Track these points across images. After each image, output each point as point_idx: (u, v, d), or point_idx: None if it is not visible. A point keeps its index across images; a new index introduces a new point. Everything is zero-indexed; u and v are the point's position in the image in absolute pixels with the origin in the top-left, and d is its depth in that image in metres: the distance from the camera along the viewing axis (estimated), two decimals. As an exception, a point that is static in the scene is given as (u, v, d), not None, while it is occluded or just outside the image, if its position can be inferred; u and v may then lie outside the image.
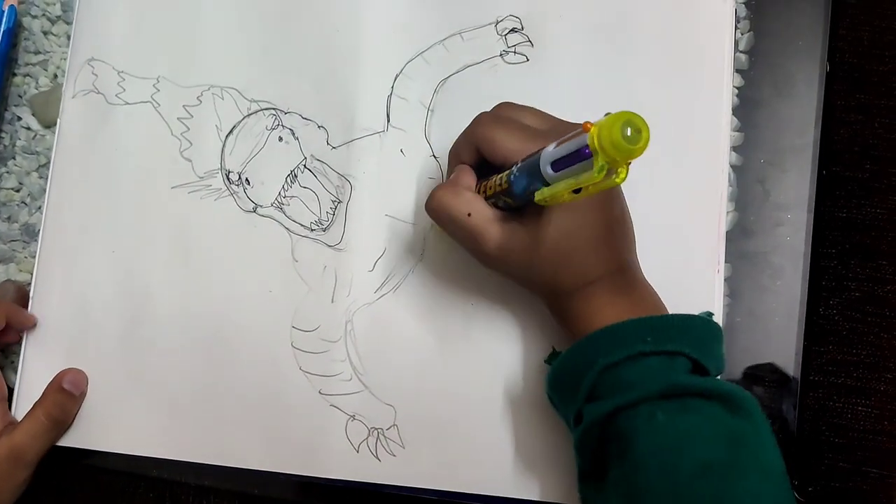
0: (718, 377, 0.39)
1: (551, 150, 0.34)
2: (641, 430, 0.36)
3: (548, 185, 0.35)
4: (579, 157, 0.32)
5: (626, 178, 0.31)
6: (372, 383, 0.48)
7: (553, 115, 0.43)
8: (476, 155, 0.42)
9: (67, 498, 0.52)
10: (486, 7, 0.50)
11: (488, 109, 0.48)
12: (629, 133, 0.30)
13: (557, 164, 0.34)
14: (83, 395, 0.51)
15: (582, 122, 0.32)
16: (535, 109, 0.43)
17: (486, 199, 0.41)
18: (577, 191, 0.33)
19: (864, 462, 0.47)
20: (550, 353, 0.46)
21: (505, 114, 0.43)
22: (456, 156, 0.44)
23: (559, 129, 0.41)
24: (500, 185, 0.39)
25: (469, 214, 0.40)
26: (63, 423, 0.50)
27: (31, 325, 0.52)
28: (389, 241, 0.48)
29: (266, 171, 0.50)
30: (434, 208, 0.42)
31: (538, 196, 0.35)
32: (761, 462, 0.36)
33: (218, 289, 0.50)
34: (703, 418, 0.36)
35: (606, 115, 0.31)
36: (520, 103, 0.43)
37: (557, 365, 0.41)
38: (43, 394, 0.50)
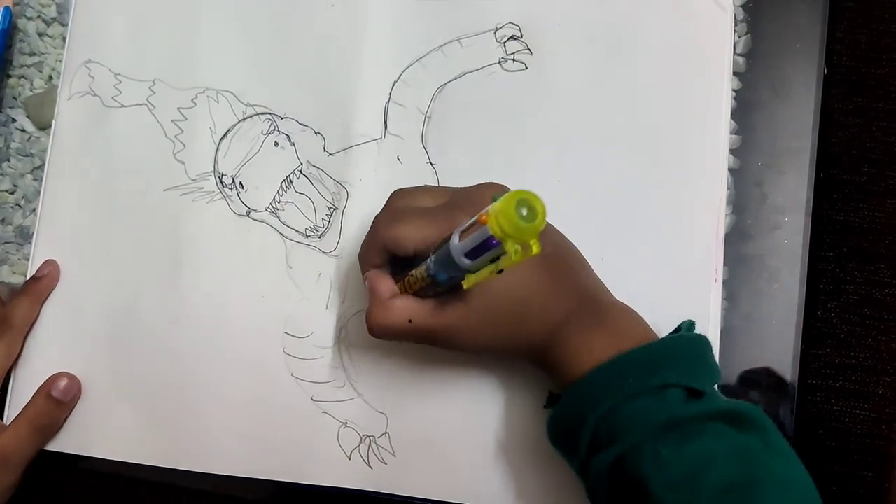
0: (716, 387, 0.39)
1: (458, 245, 0.34)
2: (649, 471, 0.36)
3: (469, 271, 0.35)
4: (489, 246, 0.32)
5: (540, 248, 0.32)
6: (365, 391, 0.48)
7: (445, 186, 0.43)
8: (386, 255, 0.42)
9: (62, 502, 0.52)
10: (485, 14, 0.49)
11: (485, 118, 0.48)
12: (525, 213, 0.30)
13: (471, 254, 0.34)
14: (75, 400, 0.50)
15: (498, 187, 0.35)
16: (428, 187, 0.43)
17: (416, 293, 0.40)
18: (500, 270, 0.33)
19: (862, 466, 0.47)
20: (548, 397, 0.45)
21: (399, 204, 0.42)
22: (367, 261, 0.43)
23: (456, 199, 0.41)
24: (423, 280, 0.38)
25: (410, 321, 0.40)
26: (49, 428, 0.50)
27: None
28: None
29: (261, 175, 0.50)
30: (376, 334, 0.41)
31: (466, 285, 0.35)
32: (778, 473, 0.35)
33: (209, 293, 0.50)
34: (708, 441, 0.36)
35: (495, 197, 0.31)
36: (411, 186, 0.43)
37: (551, 422, 0.40)
38: (31, 399, 0.50)
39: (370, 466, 0.47)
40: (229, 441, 0.49)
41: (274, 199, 0.50)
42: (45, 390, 0.49)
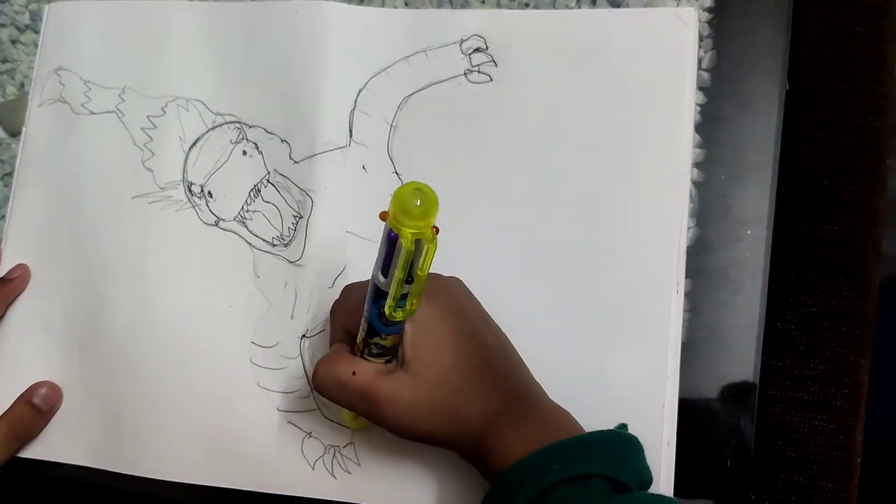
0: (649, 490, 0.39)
1: (376, 261, 0.35)
2: None
3: (386, 290, 0.35)
4: (392, 245, 0.33)
5: (436, 244, 0.33)
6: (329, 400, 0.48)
7: None
8: (350, 336, 0.42)
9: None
10: (450, 26, 0.50)
11: (450, 129, 0.49)
12: (418, 203, 0.32)
13: (385, 269, 0.35)
14: (55, 409, 0.50)
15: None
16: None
17: (364, 357, 0.40)
18: (409, 280, 0.34)
19: (820, 476, 0.47)
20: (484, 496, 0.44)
21: (352, 295, 0.43)
22: (333, 341, 0.44)
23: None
24: (363, 329, 0.39)
25: (354, 373, 0.40)
26: (26, 436, 0.50)
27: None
28: (349, 258, 0.48)
29: (229, 184, 0.50)
30: (320, 382, 0.41)
31: (387, 310, 0.36)
32: None
33: (177, 302, 0.50)
34: None
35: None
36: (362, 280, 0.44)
37: None
38: (11, 405, 0.50)
39: (334, 476, 0.47)
40: (194, 450, 0.48)
41: (242, 208, 0.50)
42: (27, 397, 0.49)
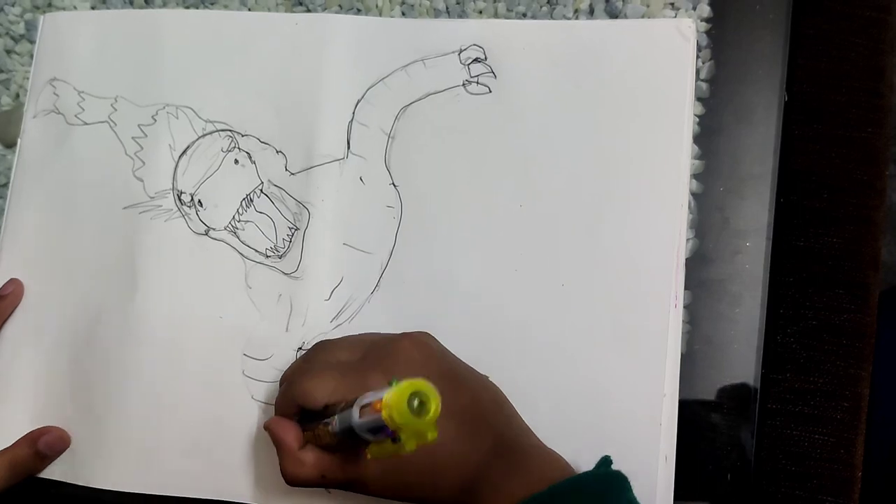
0: None
1: (358, 422, 0.34)
2: None
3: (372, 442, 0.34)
4: (386, 434, 0.32)
5: (436, 435, 0.32)
6: None
7: (367, 335, 0.44)
8: (298, 406, 0.41)
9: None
10: (449, 36, 0.49)
11: (448, 140, 0.48)
12: (416, 407, 0.31)
13: (372, 432, 0.33)
14: (58, 455, 0.49)
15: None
16: (350, 339, 0.44)
17: (324, 446, 0.40)
18: (396, 440, 0.33)
19: (820, 491, 0.47)
20: None
21: (316, 358, 0.43)
22: (279, 410, 0.43)
23: (370, 355, 0.41)
24: (332, 438, 0.38)
25: (323, 476, 0.40)
26: (25, 476, 0.49)
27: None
28: (346, 270, 0.48)
29: (220, 193, 0.50)
30: (293, 485, 0.41)
31: (370, 455, 0.35)
32: None
33: (167, 313, 0.49)
34: None
35: (391, 383, 0.32)
36: (336, 338, 0.45)
37: None
38: (16, 442, 0.49)
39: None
40: (188, 463, 0.48)
41: (234, 218, 0.49)
42: (33, 438, 0.48)
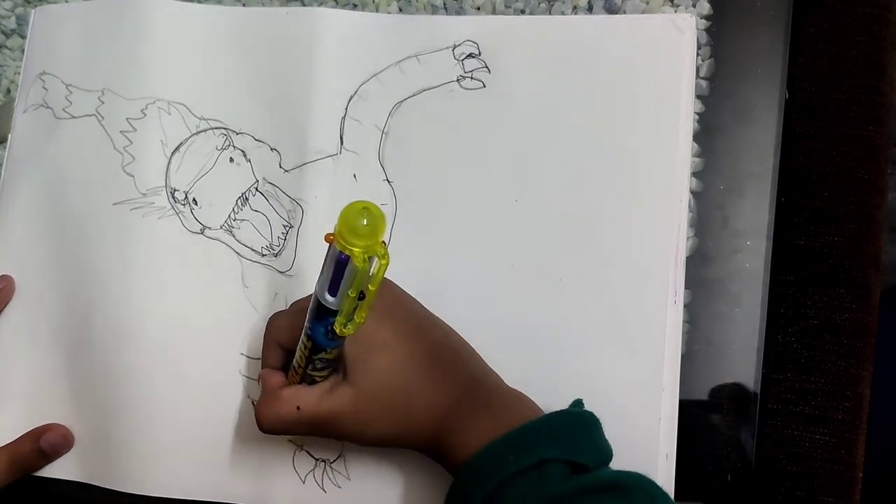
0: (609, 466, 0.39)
1: (320, 281, 0.35)
2: None
3: (337, 309, 0.35)
4: (341, 266, 0.33)
5: (388, 258, 0.33)
6: None
7: None
8: (283, 352, 0.42)
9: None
10: (443, 31, 0.49)
11: (442, 135, 0.48)
12: (365, 222, 0.32)
13: (333, 289, 0.34)
14: (60, 455, 0.49)
15: None
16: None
17: (306, 374, 0.40)
18: (361, 296, 0.34)
19: (822, 491, 0.46)
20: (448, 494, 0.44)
21: (294, 306, 0.44)
22: (265, 362, 0.44)
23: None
24: (305, 346, 0.39)
25: (298, 408, 0.40)
26: (25, 472, 0.48)
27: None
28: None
29: (215, 192, 0.49)
30: (268, 427, 0.41)
31: (337, 328, 0.35)
32: None
33: (162, 312, 0.48)
34: None
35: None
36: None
37: None
38: (19, 438, 0.48)
39: (324, 490, 0.46)
40: (184, 464, 0.47)
41: (229, 216, 0.49)
42: (36, 435, 0.48)
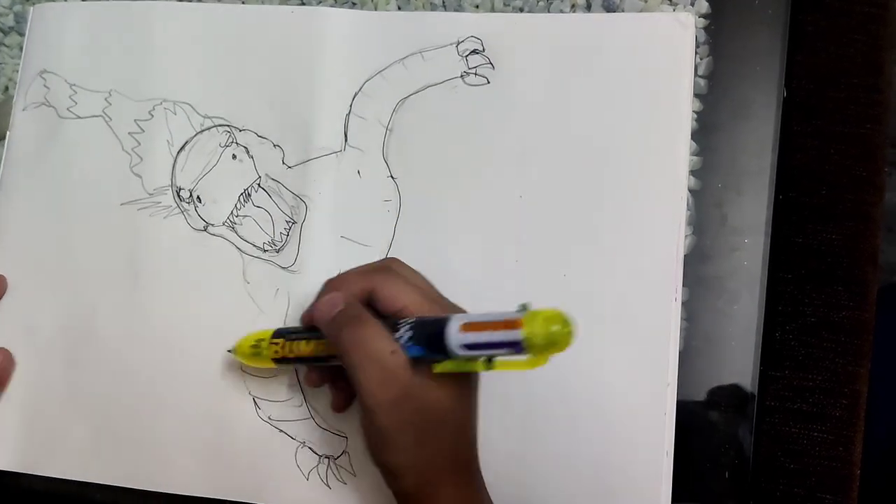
0: None
1: (459, 335, 0.35)
2: None
3: (448, 357, 0.36)
4: (507, 347, 0.34)
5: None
6: (323, 409, 0.47)
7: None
8: (363, 297, 0.41)
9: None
10: (446, 27, 0.49)
11: (447, 132, 0.48)
12: (556, 329, 0.34)
13: (475, 347, 0.35)
14: (7, 374, 0.49)
15: (516, 310, 0.35)
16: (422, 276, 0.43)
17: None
18: (489, 361, 0.35)
19: (819, 488, 0.46)
20: None
21: (397, 267, 0.43)
22: (341, 285, 0.42)
23: (442, 302, 0.41)
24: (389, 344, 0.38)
25: (393, 352, 0.37)
26: None
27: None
28: (344, 263, 0.47)
29: (218, 189, 0.49)
30: (348, 346, 0.38)
31: (438, 368, 0.36)
32: None
33: (166, 309, 0.49)
34: None
35: (522, 307, 0.35)
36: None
37: None
38: None
39: (329, 486, 0.46)
40: (185, 460, 0.47)
41: (232, 213, 0.49)
42: None
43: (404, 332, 0.37)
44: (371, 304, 0.41)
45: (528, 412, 0.45)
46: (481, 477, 0.41)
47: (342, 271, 0.45)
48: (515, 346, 0.34)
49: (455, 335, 0.35)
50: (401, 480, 0.39)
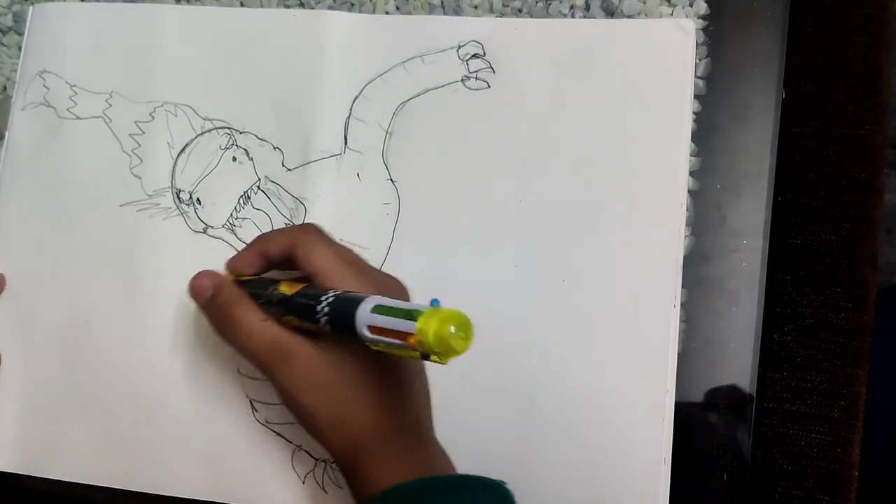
0: None
1: (368, 315, 0.34)
2: None
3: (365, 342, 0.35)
4: (401, 338, 0.33)
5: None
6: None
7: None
8: (283, 255, 0.41)
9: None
10: (448, 31, 0.49)
11: (447, 136, 0.48)
12: (453, 331, 0.32)
13: (376, 331, 0.34)
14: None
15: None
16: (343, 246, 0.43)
17: (281, 311, 0.40)
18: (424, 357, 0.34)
19: (817, 490, 0.46)
20: None
21: (323, 233, 0.42)
22: (264, 242, 0.43)
23: (380, 279, 0.41)
24: (304, 310, 0.38)
25: (263, 320, 0.40)
26: None
27: None
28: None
29: (218, 191, 0.50)
30: (219, 316, 0.41)
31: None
32: None
33: (165, 311, 0.49)
34: None
35: (433, 305, 0.33)
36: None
37: None
38: None
39: (325, 491, 0.46)
40: (182, 463, 0.48)
41: (231, 215, 0.49)
42: None
43: (324, 306, 0.37)
44: (291, 263, 0.41)
45: (527, 415, 0.45)
46: (431, 443, 0.40)
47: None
48: (408, 340, 0.32)
49: (363, 315, 0.34)
50: (326, 444, 0.40)
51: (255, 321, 0.40)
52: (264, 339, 0.39)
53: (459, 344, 0.32)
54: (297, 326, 0.39)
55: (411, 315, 0.32)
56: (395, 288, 0.42)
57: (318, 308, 0.37)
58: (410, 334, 0.32)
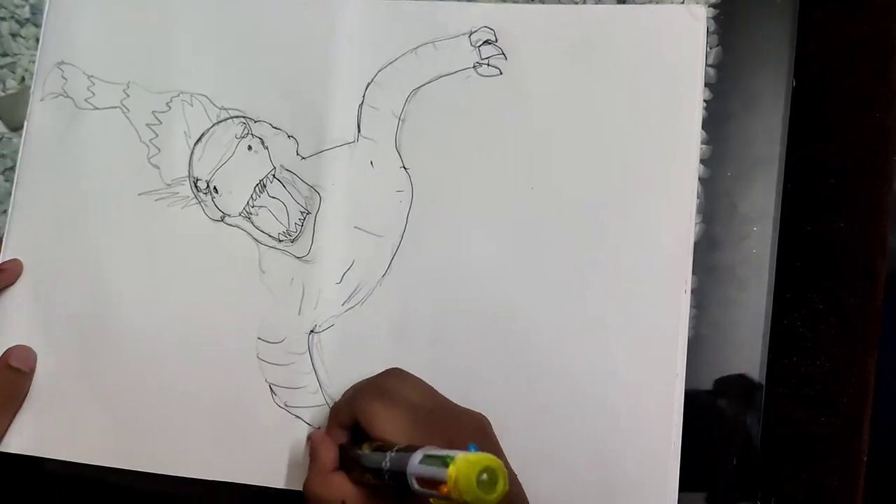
0: None
1: (416, 466, 0.33)
2: None
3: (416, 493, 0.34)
4: (437, 487, 0.32)
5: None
6: (338, 396, 0.47)
7: (436, 391, 0.43)
8: (352, 424, 0.42)
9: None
10: (459, 17, 0.49)
11: (459, 122, 0.48)
12: (484, 478, 0.30)
13: (424, 483, 0.33)
14: (32, 371, 0.50)
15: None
16: (421, 382, 0.43)
17: (361, 469, 0.39)
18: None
19: (826, 474, 0.47)
20: None
21: (389, 385, 0.42)
22: (335, 416, 0.44)
23: (439, 415, 0.41)
24: (373, 469, 0.38)
25: (343, 502, 0.40)
26: (14, 399, 0.50)
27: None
28: (357, 253, 0.48)
29: (234, 179, 0.50)
30: (310, 500, 0.41)
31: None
32: None
33: (183, 298, 0.50)
34: None
35: (467, 452, 0.31)
36: (408, 373, 0.43)
37: None
38: None
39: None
40: (201, 445, 0.48)
41: (248, 203, 0.50)
42: (4, 361, 0.49)
43: (386, 462, 0.36)
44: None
45: (537, 401, 0.46)
46: None
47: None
48: (440, 489, 0.31)
49: (414, 467, 0.33)
50: None
51: (325, 471, 0.41)
52: (325, 491, 0.41)
53: (487, 492, 0.30)
54: (378, 484, 0.38)
55: (446, 462, 0.31)
56: (472, 430, 0.41)
57: (383, 467, 0.37)
58: (444, 483, 0.31)
